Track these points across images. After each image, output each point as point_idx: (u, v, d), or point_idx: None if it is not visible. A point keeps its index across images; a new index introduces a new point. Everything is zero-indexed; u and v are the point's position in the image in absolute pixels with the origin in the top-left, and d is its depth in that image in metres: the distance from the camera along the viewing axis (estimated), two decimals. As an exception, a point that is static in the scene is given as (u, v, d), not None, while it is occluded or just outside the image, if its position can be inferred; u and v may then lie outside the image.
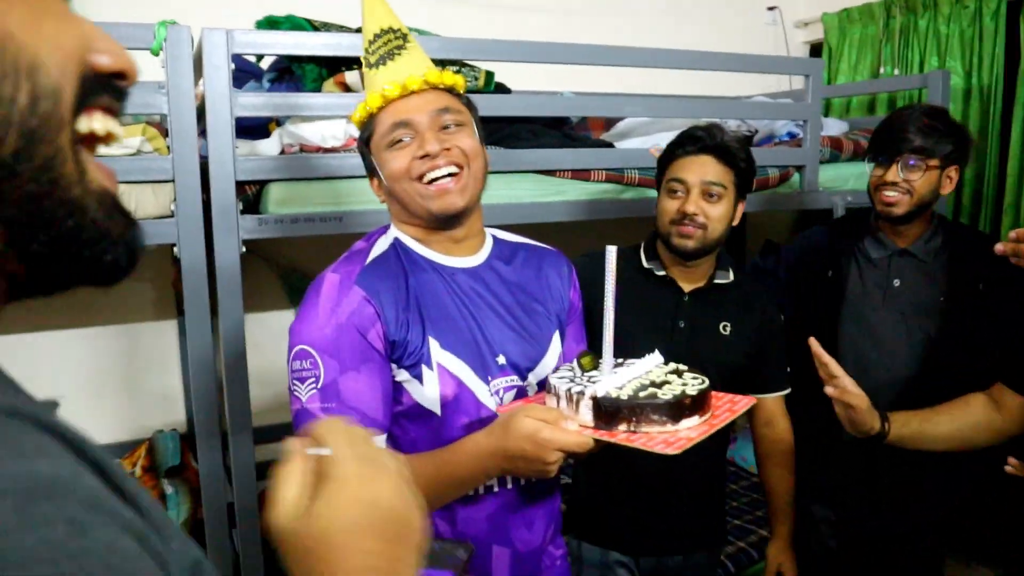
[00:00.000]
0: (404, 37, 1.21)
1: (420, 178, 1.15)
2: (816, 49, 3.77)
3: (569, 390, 1.10)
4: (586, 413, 1.08)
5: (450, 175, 1.16)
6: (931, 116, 1.82)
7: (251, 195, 1.83)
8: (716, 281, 1.70)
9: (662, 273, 1.70)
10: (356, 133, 1.38)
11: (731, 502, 2.69)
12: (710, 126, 1.66)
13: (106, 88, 0.44)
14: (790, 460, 1.78)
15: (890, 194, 1.80)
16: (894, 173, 1.79)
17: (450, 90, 1.22)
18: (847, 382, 1.45)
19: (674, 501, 1.71)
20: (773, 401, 1.78)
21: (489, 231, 1.34)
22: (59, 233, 0.41)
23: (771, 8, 3.69)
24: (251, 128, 1.92)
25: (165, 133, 1.70)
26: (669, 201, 1.64)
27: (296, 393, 1.11)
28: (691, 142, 1.64)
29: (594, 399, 1.07)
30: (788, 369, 1.80)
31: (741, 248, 3.41)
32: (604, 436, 1.06)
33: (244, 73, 2.00)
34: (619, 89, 2.85)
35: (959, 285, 1.85)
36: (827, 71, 3.57)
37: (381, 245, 1.22)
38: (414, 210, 1.19)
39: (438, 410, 1.17)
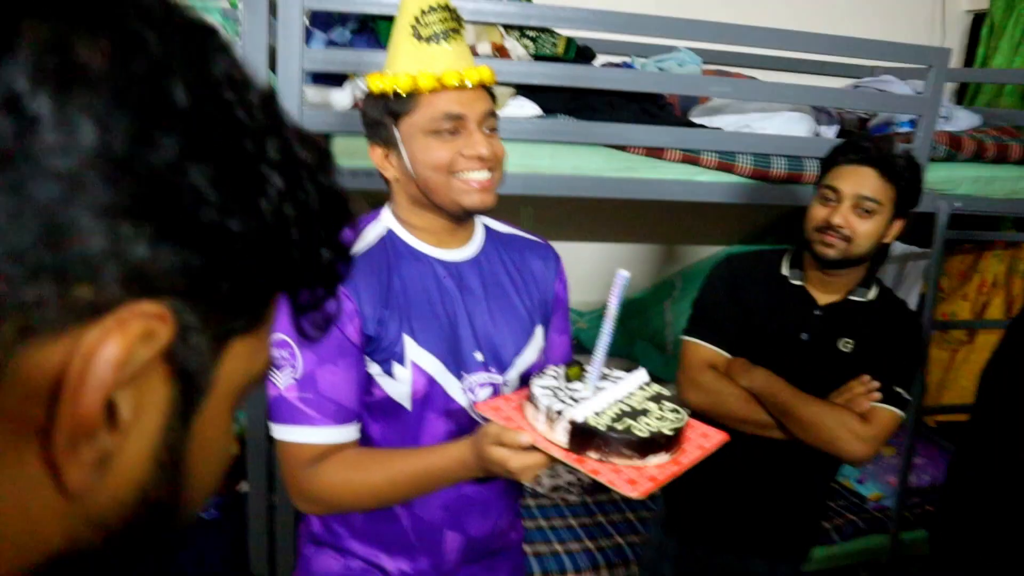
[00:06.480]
0: (459, 20, 1.20)
1: (456, 172, 1.17)
2: (979, 20, 3.38)
3: (549, 407, 1.12)
4: (561, 433, 1.10)
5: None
6: None
7: (318, 145, 1.89)
8: (851, 297, 1.64)
9: (798, 283, 1.67)
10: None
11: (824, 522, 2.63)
12: (879, 137, 1.59)
13: None
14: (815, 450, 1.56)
15: None
16: None
17: (489, 89, 1.21)
18: None
19: (771, 503, 1.71)
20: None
21: (481, 220, 1.34)
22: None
23: (933, -32, 3.33)
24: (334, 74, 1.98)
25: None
26: (819, 208, 1.59)
27: (274, 380, 1.17)
28: (854, 151, 1.57)
29: (572, 423, 1.09)
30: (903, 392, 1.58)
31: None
32: (574, 462, 1.08)
33: (331, 17, 2.05)
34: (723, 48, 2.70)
35: None
36: (984, 47, 3.22)
37: (369, 236, 1.23)
38: (441, 201, 1.19)
39: (408, 404, 1.21)
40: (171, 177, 0.32)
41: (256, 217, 0.36)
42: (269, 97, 0.39)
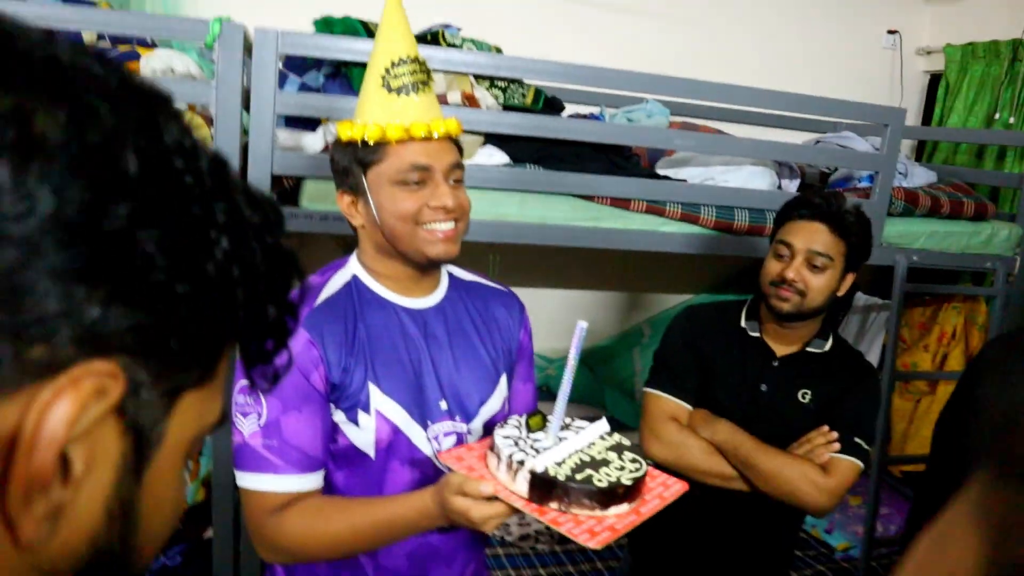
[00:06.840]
0: (428, 73, 1.22)
1: (422, 222, 1.18)
2: (935, 79, 3.51)
3: (511, 456, 1.12)
4: (522, 483, 1.10)
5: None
6: None
7: (288, 187, 1.91)
8: (808, 349, 1.66)
9: (756, 335, 1.69)
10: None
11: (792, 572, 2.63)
12: (829, 193, 1.62)
13: None
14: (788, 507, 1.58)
15: None
16: None
17: (456, 141, 1.24)
18: None
19: (737, 555, 1.71)
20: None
21: (445, 268, 1.34)
22: None
23: (891, 32, 3.46)
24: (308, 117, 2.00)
25: (211, 123, 1.79)
26: (774, 262, 1.62)
27: (238, 427, 1.16)
28: (805, 207, 1.61)
29: (532, 473, 1.09)
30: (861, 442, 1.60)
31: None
32: (535, 512, 1.08)
33: (305, 62, 2.07)
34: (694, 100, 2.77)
35: None
36: (940, 107, 3.34)
37: (335, 283, 1.24)
38: (406, 250, 1.20)
39: (372, 453, 1.20)
40: (122, 242, 0.33)
41: (203, 278, 0.37)
42: (219, 162, 0.40)
